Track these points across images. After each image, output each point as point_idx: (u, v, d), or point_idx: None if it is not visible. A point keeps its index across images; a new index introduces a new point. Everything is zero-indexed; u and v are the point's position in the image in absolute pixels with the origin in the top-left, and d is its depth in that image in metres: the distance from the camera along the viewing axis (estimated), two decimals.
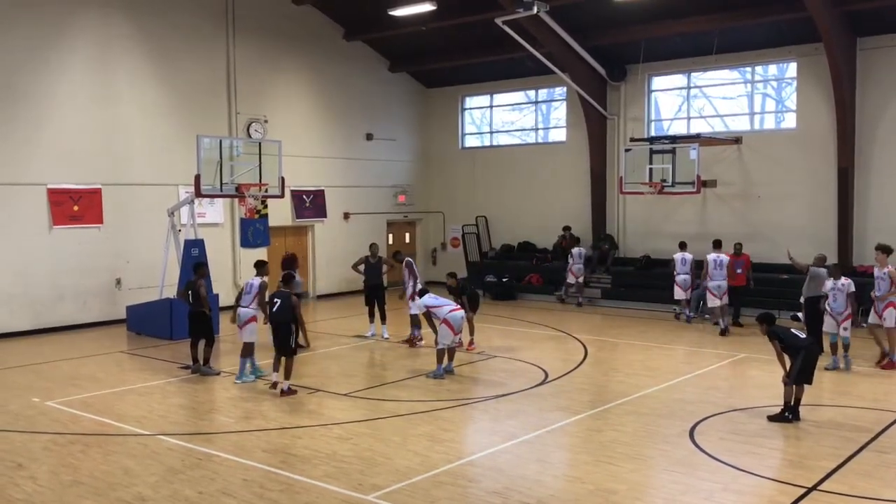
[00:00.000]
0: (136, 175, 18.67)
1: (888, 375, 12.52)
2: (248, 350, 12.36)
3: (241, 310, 12.38)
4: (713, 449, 8.81)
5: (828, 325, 13.02)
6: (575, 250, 21.22)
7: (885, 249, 13.32)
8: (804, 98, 19.52)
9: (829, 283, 13.16)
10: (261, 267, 12.89)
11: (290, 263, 14.73)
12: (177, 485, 7.87)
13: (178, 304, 15.06)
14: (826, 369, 12.51)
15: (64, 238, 17.53)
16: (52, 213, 17.31)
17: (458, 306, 12.88)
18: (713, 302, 16.92)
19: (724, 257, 17.03)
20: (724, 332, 16.36)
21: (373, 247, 16.54)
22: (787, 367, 9.95)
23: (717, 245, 17.50)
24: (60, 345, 15.86)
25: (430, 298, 13.04)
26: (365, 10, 21.94)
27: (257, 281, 12.51)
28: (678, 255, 18.24)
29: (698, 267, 17.73)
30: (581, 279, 21.16)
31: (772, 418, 9.92)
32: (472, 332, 14.79)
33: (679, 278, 18.07)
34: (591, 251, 21.82)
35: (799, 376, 9.85)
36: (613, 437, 9.38)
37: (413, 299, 14.38)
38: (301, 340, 13.34)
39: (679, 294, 18.14)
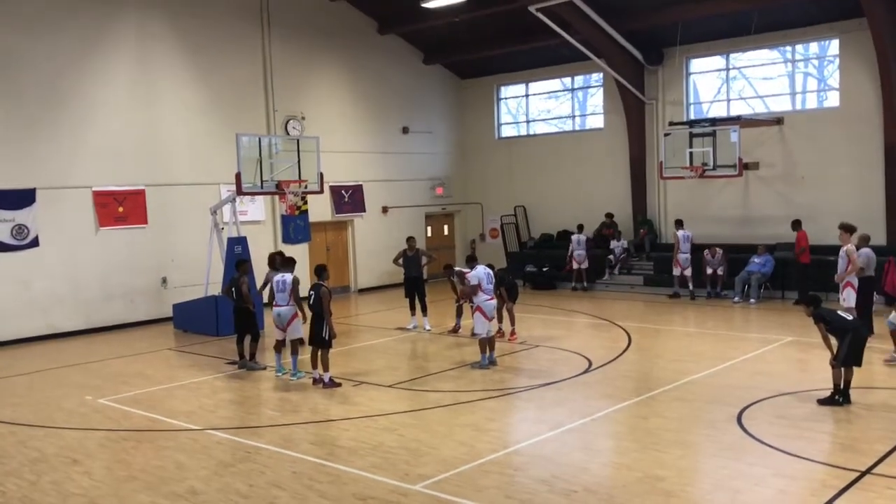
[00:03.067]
0: (178, 175, 18.97)
1: None
2: (296, 347, 12.37)
3: (279, 309, 12.22)
4: (762, 434, 8.69)
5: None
6: (574, 237, 21.47)
7: (847, 228, 12.87)
8: (847, 75, 19.07)
9: None
10: (289, 263, 12.74)
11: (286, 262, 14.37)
12: (227, 478, 8.01)
13: (223, 301, 15.27)
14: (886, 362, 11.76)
15: (110, 239, 17.90)
16: (97, 215, 17.68)
17: (492, 296, 12.72)
18: (676, 271, 19.26)
19: (689, 233, 19.23)
20: (673, 296, 19.26)
21: (410, 240, 16.61)
22: (835, 350, 9.78)
23: (680, 224, 19.53)
24: (110, 343, 16.21)
25: (482, 273, 12.66)
26: (398, 4, 21.96)
27: (289, 277, 12.32)
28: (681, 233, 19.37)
29: (697, 249, 19.43)
30: (584, 265, 21.25)
31: (822, 402, 9.77)
32: (512, 322, 14.79)
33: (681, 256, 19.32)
34: (604, 243, 22.02)
35: (847, 359, 9.67)
36: (660, 423, 9.31)
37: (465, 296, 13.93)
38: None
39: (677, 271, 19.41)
